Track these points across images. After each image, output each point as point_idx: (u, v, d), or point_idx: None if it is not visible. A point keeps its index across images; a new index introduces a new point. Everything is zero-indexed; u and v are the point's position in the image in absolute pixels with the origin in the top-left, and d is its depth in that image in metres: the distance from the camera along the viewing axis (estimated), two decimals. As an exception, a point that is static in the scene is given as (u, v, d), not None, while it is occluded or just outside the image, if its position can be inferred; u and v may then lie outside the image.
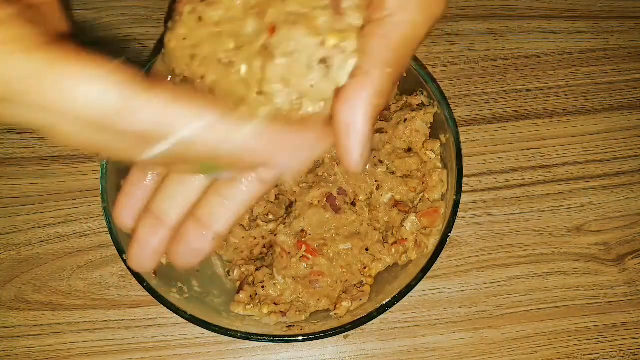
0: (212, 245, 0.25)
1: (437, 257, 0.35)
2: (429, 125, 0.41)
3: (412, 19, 0.22)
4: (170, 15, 0.38)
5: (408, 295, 0.35)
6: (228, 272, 0.41)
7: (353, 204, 0.40)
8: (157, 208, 0.25)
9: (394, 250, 0.39)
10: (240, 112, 0.22)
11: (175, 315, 0.34)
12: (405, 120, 0.41)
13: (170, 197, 0.25)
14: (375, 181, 0.40)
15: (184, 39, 0.23)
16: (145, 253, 0.26)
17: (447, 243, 0.36)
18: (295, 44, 0.22)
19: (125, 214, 0.27)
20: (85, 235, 0.44)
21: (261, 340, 0.34)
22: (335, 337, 0.41)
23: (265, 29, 0.22)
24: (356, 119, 0.22)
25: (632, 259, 0.45)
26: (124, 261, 0.34)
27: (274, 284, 0.39)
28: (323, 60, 0.22)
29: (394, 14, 0.22)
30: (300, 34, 0.22)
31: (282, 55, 0.22)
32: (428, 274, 0.35)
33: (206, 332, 0.41)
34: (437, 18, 0.23)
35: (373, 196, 0.41)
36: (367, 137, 0.22)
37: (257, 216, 0.41)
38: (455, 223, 0.36)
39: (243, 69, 0.22)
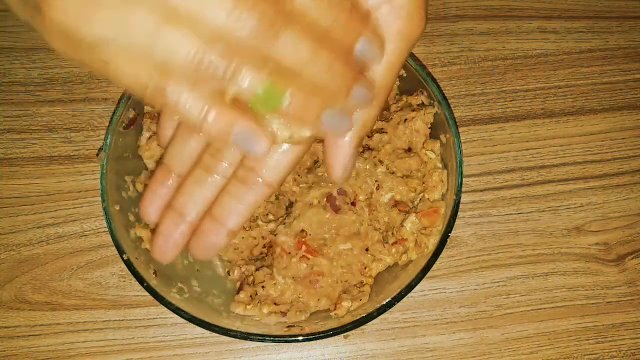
0: (226, 240, 0.28)
1: (437, 257, 0.35)
2: (429, 125, 0.41)
3: (396, 48, 0.24)
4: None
5: (408, 295, 0.35)
6: (228, 272, 0.41)
7: (353, 204, 0.40)
8: (180, 205, 0.28)
9: (394, 250, 0.39)
10: None
11: (175, 315, 0.34)
12: (405, 120, 0.41)
13: (191, 195, 0.28)
14: (375, 181, 0.40)
15: None
16: (168, 245, 0.29)
17: (447, 243, 0.36)
18: None
19: (151, 209, 0.30)
20: (85, 235, 0.44)
21: (261, 340, 0.34)
22: (335, 337, 0.41)
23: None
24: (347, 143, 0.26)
25: (632, 259, 0.45)
26: (124, 261, 0.34)
27: (274, 284, 0.39)
28: None
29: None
30: None
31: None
32: (428, 274, 0.35)
33: (206, 332, 0.41)
34: (418, 39, 0.25)
35: (373, 196, 0.41)
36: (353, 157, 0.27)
37: (257, 216, 0.41)
38: (455, 223, 0.36)
39: None
